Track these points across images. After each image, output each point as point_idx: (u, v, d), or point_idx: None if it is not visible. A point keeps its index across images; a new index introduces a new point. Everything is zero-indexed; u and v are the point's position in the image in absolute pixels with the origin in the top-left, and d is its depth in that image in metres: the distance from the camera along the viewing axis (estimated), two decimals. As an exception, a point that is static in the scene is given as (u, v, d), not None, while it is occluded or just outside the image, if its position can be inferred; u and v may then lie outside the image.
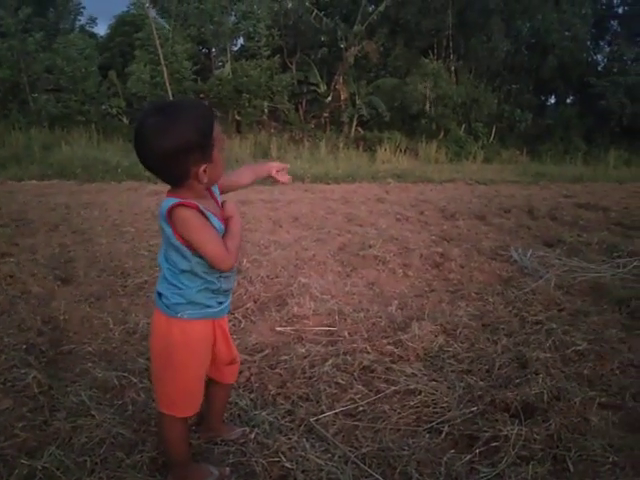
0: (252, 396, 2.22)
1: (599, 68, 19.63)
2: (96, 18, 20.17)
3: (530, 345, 2.71)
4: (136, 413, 2.07)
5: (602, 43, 22.81)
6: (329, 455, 1.83)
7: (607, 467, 1.80)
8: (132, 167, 9.67)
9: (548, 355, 2.58)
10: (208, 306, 1.55)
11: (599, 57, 21.74)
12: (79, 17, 19.67)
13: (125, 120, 15.87)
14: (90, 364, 2.46)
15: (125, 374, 2.34)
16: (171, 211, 1.39)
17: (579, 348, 2.68)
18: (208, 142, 1.40)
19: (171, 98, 13.90)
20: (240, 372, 2.37)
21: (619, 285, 3.77)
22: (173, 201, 1.39)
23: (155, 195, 7.30)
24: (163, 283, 1.53)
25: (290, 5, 17.91)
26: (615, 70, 17.62)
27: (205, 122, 1.41)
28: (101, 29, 50.30)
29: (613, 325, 3.04)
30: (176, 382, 1.57)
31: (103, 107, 15.37)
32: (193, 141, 1.36)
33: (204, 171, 1.40)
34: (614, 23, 22.65)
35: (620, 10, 22.69)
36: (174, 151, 1.34)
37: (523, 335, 2.87)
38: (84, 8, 19.44)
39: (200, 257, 1.45)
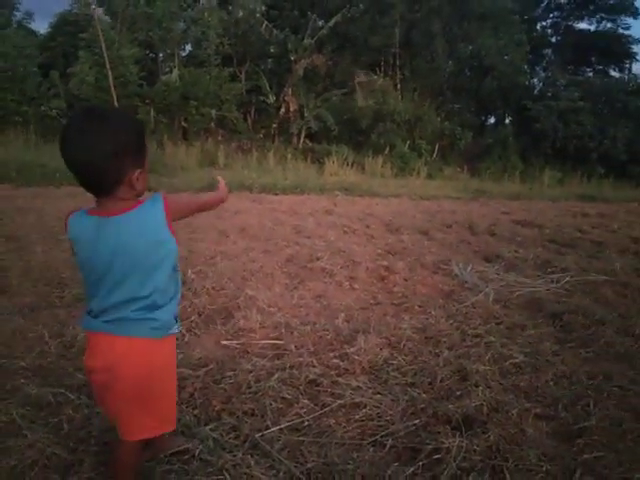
0: (196, 412, 2.17)
1: (535, 92, 20.77)
2: (33, 13, 19.28)
3: (470, 358, 2.80)
4: (72, 431, 1.98)
5: (538, 69, 24.23)
6: (274, 471, 1.82)
7: (541, 475, 1.88)
8: (72, 172, 9.26)
9: (487, 368, 2.68)
10: (177, 319, 1.55)
11: (535, 81, 23.07)
12: (14, 12, 18.74)
13: (65, 122, 15.21)
14: (23, 380, 2.32)
15: (61, 390, 2.23)
16: (167, 202, 1.39)
17: (516, 361, 2.80)
18: (143, 147, 1.40)
19: (115, 102, 13.50)
20: (183, 388, 2.32)
21: (553, 299, 3.97)
22: (158, 201, 1.38)
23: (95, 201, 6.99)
24: (144, 311, 1.42)
25: (241, 14, 17.86)
26: (549, 94, 18.70)
27: (140, 127, 1.44)
28: (39, 26, 48.27)
29: (547, 338, 3.20)
30: (170, 399, 1.57)
31: (42, 108, 14.65)
32: (131, 143, 1.35)
33: (137, 178, 1.36)
34: (548, 51, 24.13)
35: (553, 39, 24.22)
36: (113, 151, 1.30)
37: (464, 348, 2.96)
38: (20, 3, 18.55)
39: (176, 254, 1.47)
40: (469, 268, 4.71)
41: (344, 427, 2.12)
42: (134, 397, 1.46)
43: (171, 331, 1.50)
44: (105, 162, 1.29)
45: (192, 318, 3.16)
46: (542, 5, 24.07)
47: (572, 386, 2.59)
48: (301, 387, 2.41)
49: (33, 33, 18.50)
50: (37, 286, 3.65)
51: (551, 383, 2.61)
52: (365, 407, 2.26)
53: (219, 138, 16.45)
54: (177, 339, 2.78)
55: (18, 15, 18.82)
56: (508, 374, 2.68)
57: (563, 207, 11.09)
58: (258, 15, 18.08)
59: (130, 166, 1.34)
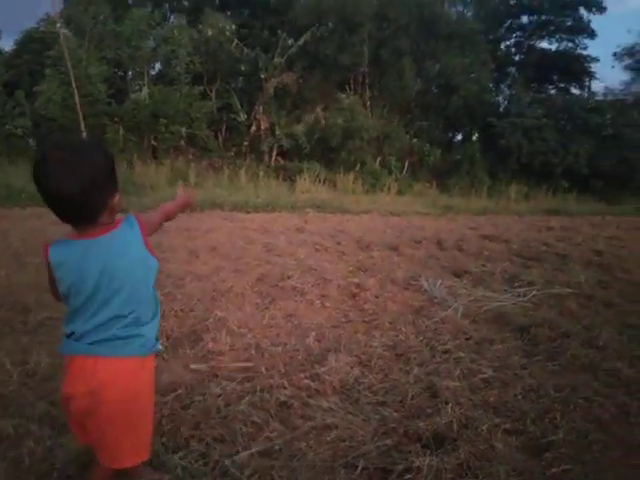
0: (164, 439, 2.13)
1: (500, 109, 21.34)
2: (0, 31, 19.03)
3: (440, 374, 2.83)
4: (34, 465, 1.91)
5: (502, 86, 24.95)
6: (244, 499, 1.79)
7: (510, 492, 1.90)
8: (38, 192, 9.05)
9: (457, 384, 2.71)
10: (157, 337, 1.58)
11: (500, 99, 23.73)
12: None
13: (31, 142, 14.90)
14: (-20, 412, 2.24)
15: (22, 421, 2.16)
16: (140, 219, 1.45)
17: (485, 376, 2.84)
18: (115, 172, 1.44)
19: (82, 120, 13.31)
20: (151, 414, 2.26)
21: (520, 313, 4.05)
22: (133, 222, 1.43)
23: (61, 223, 6.85)
24: (132, 328, 1.44)
25: (210, 33, 17.91)
26: (514, 112, 19.23)
27: (109, 151, 1.46)
28: (6, 44, 47.60)
29: (515, 352, 3.26)
30: (150, 421, 1.55)
31: (7, 127, 14.33)
32: (108, 169, 1.38)
33: (117, 201, 1.41)
34: (512, 69, 24.90)
35: (517, 58, 25.03)
36: (95, 177, 1.32)
37: (434, 364, 2.99)
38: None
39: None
40: (438, 283, 4.78)
41: (315, 450, 2.11)
42: (122, 420, 1.44)
43: (155, 348, 1.52)
44: (90, 192, 1.31)
45: (160, 342, 3.10)
46: (505, 25, 24.88)
47: (540, 399, 2.64)
48: (272, 410, 2.39)
49: (-2, 51, 18.18)
50: (0, 311, 3.54)
51: (519, 397, 2.66)
52: (336, 428, 2.26)
53: (190, 156, 16.34)
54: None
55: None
56: (477, 389, 2.71)
57: (529, 221, 11.38)
58: (228, 34, 18.16)
59: (111, 191, 1.39)
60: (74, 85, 13.03)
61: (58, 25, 14.13)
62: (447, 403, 2.49)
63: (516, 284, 4.99)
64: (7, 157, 12.93)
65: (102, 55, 15.78)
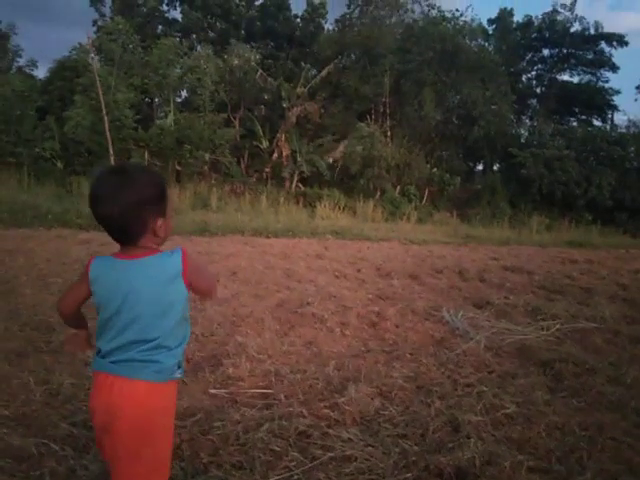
0: (183, 464, 2.11)
1: (521, 140, 21.35)
2: (36, 61, 19.93)
3: (462, 408, 2.77)
4: (54, 486, 1.91)
5: (524, 118, 25.03)
6: (262, 530, 1.76)
7: (536, 534, 1.83)
8: (64, 213, 9.30)
9: (479, 418, 2.65)
10: (181, 365, 1.57)
11: (521, 130, 23.77)
12: (17, 59, 19.29)
13: (59, 164, 15.35)
14: (5, 430, 2.26)
15: (45, 441, 2.17)
16: (186, 261, 1.46)
17: (508, 411, 2.77)
18: (164, 199, 1.51)
19: (110, 145, 13.66)
20: (170, 439, 2.26)
21: (544, 347, 3.96)
22: (178, 254, 1.47)
23: (85, 244, 7.00)
24: (149, 352, 1.46)
25: (236, 63, 18.42)
26: (535, 143, 19.22)
27: (161, 180, 1.56)
28: (41, 72, 49.48)
29: (539, 387, 3.17)
30: (167, 448, 1.55)
31: (37, 150, 14.81)
32: (153, 195, 1.47)
33: (160, 226, 1.47)
34: (534, 101, 25.00)
35: (538, 90, 25.15)
36: (137, 202, 1.41)
37: (455, 398, 2.93)
38: (22, 50, 19.13)
39: (187, 303, 1.54)
40: (460, 314, 4.71)
41: (334, 481, 2.07)
42: (131, 441, 1.44)
43: (173, 376, 1.51)
44: (130, 214, 1.41)
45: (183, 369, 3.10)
46: (526, 58, 25.11)
47: (565, 437, 2.56)
48: (290, 439, 2.36)
49: (33, 78, 18.94)
50: (24, 330, 3.59)
51: (544, 434, 2.58)
52: (356, 460, 2.22)
53: (212, 181, 16.63)
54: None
55: (21, 62, 19.37)
56: (500, 425, 2.64)
57: (552, 253, 11.21)
58: (253, 64, 18.65)
59: (152, 216, 1.46)
60: (104, 111, 13.43)
61: (90, 55, 14.68)
62: (469, 438, 2.44)
63: (539, 317, 4.89)
64: (35, 179, 13.31)
65: (130, 82, 16.31)
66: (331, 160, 17.77)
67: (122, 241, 1.48)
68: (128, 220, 1.42)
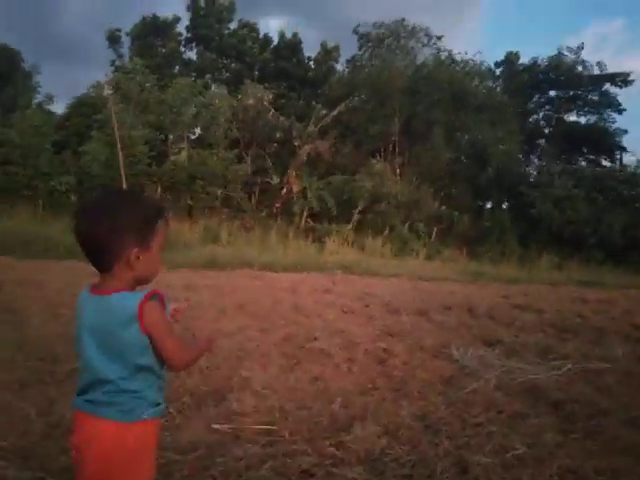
0: (182, 501, 2.06)
1: (530, 179, 21.46)
2: (53, 96, 20.60)
3: (471, 449, 2.70)
4: (50, 521, 1.87)
5: (532, 157, 25.22)
6: None
7: None
8: (75, 245, 9.23)
9: (488, 460, 2.57)
10: (159, 403, 1.47)
11: (530, 169, 23.92)
12: (37, 95, 19.96)
13: (74, 198, 15.64)
14: (2, 462, 2.22)
15: (42, 475, 2.13)
16: (143, 306, 1.34)
17: (518, 452, 2.69)
18: (149, 228, 1.41)
19: (124, 179, 13.92)
20: (170, 474, 2.22)
21: (554, 387, 3.87)
22: (137, 297, 1.35)
23: (96, 276, 7.01)
24: (113, 394, 1.38)
25: (250, 101, 18.88)
26: (544, 182, 19.29)
27: (152, 210, 1.45)
28: (59, 107, 51.01)
29: (550, 428, 3.08)
30: None
31: (52, 183, 15.12)
32: (135, 221, 1.38)
33: (137, 257, 1.37)
34: (542, 141, 25.23)
35: (546, 130, 25.41)
36: (110, 223, 1.34)
37: (464, 438, 2.85)
38: (41, 87, 19.81)
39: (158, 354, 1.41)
40: (469, 352, 4.63)
41: (338, 523, 2.01)
42: None
43: (145, 416, 1.40)
44: (103, 235, 1.34)
45: (183, 399, 3.07)
46: (534, 99, 25.50)
47: (578, 482, 2.47)
48: (293, 477, 2.30)
49: (51, 113, 19.52)
50: (30, 360, 3.58)
51: (555, 477, 2.49)
52: (360, 501, 2.15)
53: (223, 216, 16.80)
54: (166, 421, 2.71)
55: (39, 97, 20.01)
56: (510, 467, 2.55)
57: (562, 292, 11.08)
58: (266, 103, 19.11)
59: (129, 243, 1.36)
60: (119, 146, 13.74)
61: (108, 91, 15.14)
62: (478, 480, 2.36)
63: (550, 357, 4.79)
64: (50, 211, 13.53)
65: (146, 120, 16.74)
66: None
67: (98, 267, 1.41)
68: (100, 242, 1.35)
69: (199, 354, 1.58)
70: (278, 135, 20.00)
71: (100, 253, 1.38)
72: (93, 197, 1.47)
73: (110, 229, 1.34)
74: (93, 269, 1.44)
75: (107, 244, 1.35)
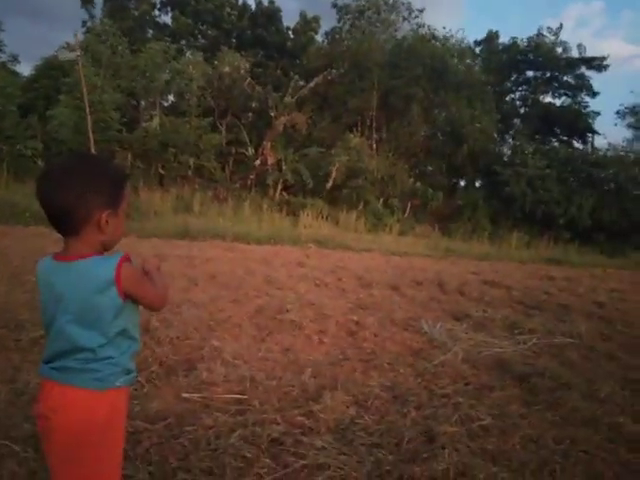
0: (151, 469, 2.05)
1: (504, 158, 21.66)
2: (18, 55, 19.62)
3: (438, 419, 2.75)
4: (13, 489, 1.84)
5: (507, 137, 25.42)
6: (229, 537, 1.70)
7: None
8: (41, 211, 9.04)
9: (455, 429, 2.63)
10: (131, 371, 1.44)
11: (505, 149, 24.12)
12: (0, 54, 18.98)
13: (40, 163, 15.09)
14: (-37, 430, 2.17)
15: (6, 442, 2.09)
16: (120, 270, 1.32)
17: (484, 423, 2.76)
18: (118, 192, 1.40)
19: (92, 145, 13.49)
20: (139, 442, 2.21)
21: (520, 361, 3.98)
22: (112, 261, 1.32)
23: (62, 242, 6.84)
24: (88, 362, 1.35)
25: (226, 69, 18.39)
26: (518, 162, 19.50)
27: (119, 173, 1.46)
28: (24, 69, 48.88)
29: (515, 400, 3.18)
30: (110, 461, 1.40)
31: (18, 147, 14.55)
32: (103, 184, 1.36)
33: (106, 220, 1.34)
34: (517, 121, 25.43)
35: (522, 110, 25.60)
36: (82, 185, 1.31)
37: (431, 408, 2.91)
38: (6, 46, 18.83)
39: (132, 313, 1.41)
40: (438, 326, 4.71)
41: (306, 489, 2.03)
42: (66, 450, 1.35)
43: (118, 383, 1.38)
44: (73, 197, 1.30)
45: (153, 368, 3.04)
46: (511, 79, 25.59)
47: (539, 450, 2.55)
48: (263, 445, 2.31)
49: (16, 74, 18.64)
50: (-7, 328, 3.49)
51: (518, 447, 2.57)
52: (329, 468, 2.18)
53: (196, 186, 16.50)
54: (135, 390, 2.67)
55: (3, 57, 19.04)
56: (476, 436, 2.63)
57: (530, 269, 11.34)
58: (242, 72, 18.66)
59: (99, 207, 1.33)
60: (87, 110, 13.27)
61: (77, 53, 14.51)
62: (444, 448, 2.41)
63: (517, 331, 4.92)
64: (15, 176, 13.06)
65: (117, 84, 16.16)
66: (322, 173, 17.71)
67: (63, 232, 1.35)
68: (69, 204, 1.30)
69: (162, 282, 1.54)
70: (254, 105, 19.59)
71: (68, 217, 1.32)
72: (58, 161, 1.39)
73: (81, 192, 1.30)
74: (58, 235, 1.38)
75: (76, 207, 1.31)
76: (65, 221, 1.33)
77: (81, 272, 1.32)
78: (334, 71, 20.27)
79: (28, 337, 3.34)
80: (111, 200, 1.37)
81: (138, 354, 1.52)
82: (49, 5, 43.48)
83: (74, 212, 1.32)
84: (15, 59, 19.39)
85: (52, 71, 16.77)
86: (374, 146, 19.67)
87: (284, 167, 17.70)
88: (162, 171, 16.50)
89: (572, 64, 23.76)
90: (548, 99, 25.23)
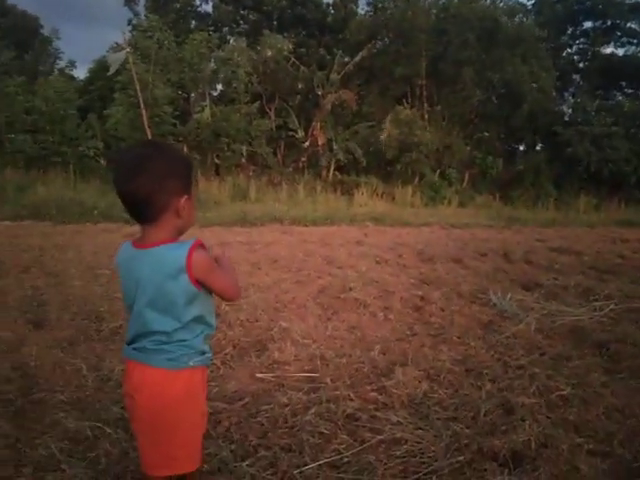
0: (232, 447, 2.13)
1: (565, 118, 20.50)
2: (75, 62, 20.56)
3: (514, 390, 2.69)
4: (110, 466, 1.97)
5: (566, 94, 24.02)
6: (314, 511, 1.75)
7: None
8: (109, 209, 9.56)
9: (533, 401, 2.56)
10: (205, 352, 1.50)
11: (564, 108, 22.81)
12: (58, 60, 19.91)
13: (102, 162, 15.80)
14: (62, 414, 2.34)
15: (99, 424, 2.23)
16: (191, 257, 1.35)
17: (563, 393, 2.67)
18: (190, 176, 1.46)
19: (150, 141, 13.93)
20: (219, 422, 2.29)
21: (598, 328, 3.80)
22: (184, 248, 1.35)
23: (131, 236, 7.14)
24: (161, 343, 1.41)
25: (269, 54, 18.39)
26: (580, 120, 18.41)
27: (189, 160, 1.51)
28: (81, 72, 51.01)
29: (595, 369, 3.05)
30: (187, 436, 1.48)
31: (80, 149, 15.29)
32: (179, 170, 1.41)
33: (183, 206, 1.39)
34: (577, 77, 23.94)
35: (581, 65, 24.06)
36: (164, 171, 1.35)
37: (507, 380, 2.84)
38: (63, 52, 19.72)
39: (206, 300, 1.45)
40: (507, 297, 4.57)
41: (385, 464, 2.04)
42: (148, 427, 1.45)
43: (192, 363, 1.44)
44: (154, 185, 1.33)
45: (227, 350, 3.14)
46: (568, 32, 24.04)
47: (626, 420, 2.44)
48: (339, 422, 2.34)
49: (73, 79, 19.53)
50: (75, 320, 3.71)
51: (603, 417, 2.47)
52: (406, 443, 2.18)
53: (250, 173, 16.74)
54: (211, 372, 2.77)
55: (61, 64, 19.96)
56: (555, 407, 2.54)
57: (601, 233, 10.76)
58: (285, 53, 18.58)
59: (178, 192, 1.38)
60: (142, 107, 13.69)
61: (126, 51, 14.94)
62: (523, 420, 2.36)
63: (592, 298, 4.69)
64: (81, 176, 13.75)
65: (167, 78, 16.54)
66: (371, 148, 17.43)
67: (142, 219, 1.39)
68: (151, 192, 1.33)
69: (233, 273, 1.58)
70: (300, 86, 19.51)
71: (148, 204, 1.35)
72: (132, 150, 1.43)
73: (161, 179, 1.35)
74: (127, 230, 1.43)
75: (157, 194, 1.35)
76: (145, 208, 1.37)
77: (155, 259, 1.37)
78: (379, 42, 19.81)
79: (108, 327, 3.53)
80: (187, 185, 1.43)
81: (211, 337, 1.57)
82: (97, 8, 44.98)
83: (155, 199, 1.35)
84: (72, 64, 20.30)
85: (105, 72, 17.39)
86: (426, 116, 19.12)
87: (335, 147, 17.60)
88: (217, 161, 16.83)
89: (636, 9, 21.98)
90: (609, 50, 23.54)
